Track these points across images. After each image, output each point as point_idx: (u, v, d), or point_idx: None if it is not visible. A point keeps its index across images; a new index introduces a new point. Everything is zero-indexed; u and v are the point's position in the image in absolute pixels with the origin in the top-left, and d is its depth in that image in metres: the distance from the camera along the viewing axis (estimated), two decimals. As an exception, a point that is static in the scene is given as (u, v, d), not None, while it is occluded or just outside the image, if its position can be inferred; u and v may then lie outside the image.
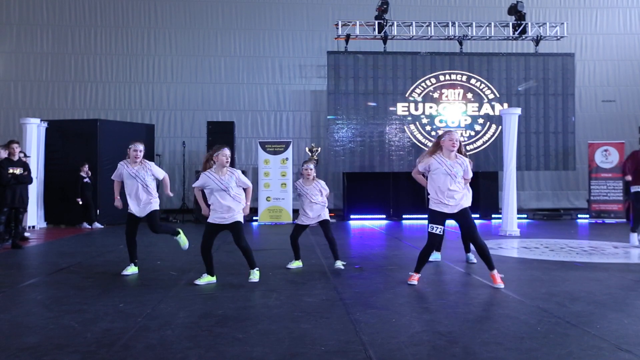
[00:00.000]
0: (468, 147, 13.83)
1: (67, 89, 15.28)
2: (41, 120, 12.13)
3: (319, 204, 6.09)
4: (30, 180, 8.41)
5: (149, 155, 13.66)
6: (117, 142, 12.76)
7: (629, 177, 8.35)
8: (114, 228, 11.57)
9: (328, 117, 13.64)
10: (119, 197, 6.02)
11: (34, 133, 11.66)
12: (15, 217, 8.21)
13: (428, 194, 5.20)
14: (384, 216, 14.27)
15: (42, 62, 15.27)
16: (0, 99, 15.13)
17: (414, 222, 13.34)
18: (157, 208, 5.99)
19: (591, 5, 16.37)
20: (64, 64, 15.30)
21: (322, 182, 6.16)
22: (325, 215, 6.16)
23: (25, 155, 9.58)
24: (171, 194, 6.19)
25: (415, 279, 5.15)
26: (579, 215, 14.44)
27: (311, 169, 6.13)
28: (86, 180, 11.74)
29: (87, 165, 11.81)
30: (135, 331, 3.59)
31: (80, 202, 11.57)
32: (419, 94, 13.89)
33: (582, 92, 15.82)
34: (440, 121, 13.86)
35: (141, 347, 3.25)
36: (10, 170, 8.01)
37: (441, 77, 13.96)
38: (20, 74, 15.20)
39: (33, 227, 11.30)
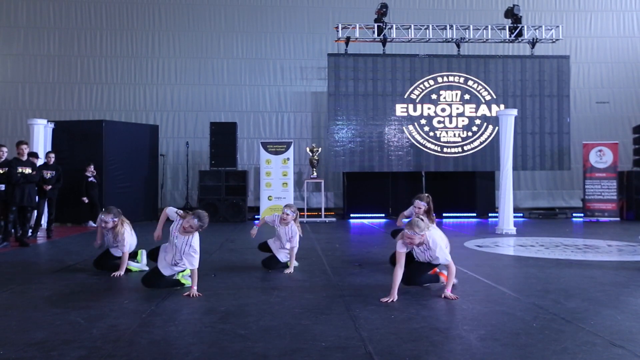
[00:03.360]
0: (465, 148, 14.13)
1: (73, 91, 15.46)
2: (48, 121, 12.26)
3: (285, 249, 6.03)
4: (37, 179, 8.65)
5: (153, 155, 13.96)
6: (122, 142, 13.02)
7: None
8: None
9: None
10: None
11: (41, 134, 11.78)
12: (23, 216, 8.38)
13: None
14: (383, 215, 14.53)
15: (49, 64, 15.45)
16: (8, 101, 15.31)
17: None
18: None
19: (586, 9, 16.52)
20: (70, 66, 15.49)
21: (295, 228, 5.92)
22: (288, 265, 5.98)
23: (37, 156, 9.81)
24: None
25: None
26: (574, 214, 14.67)
27: (287, 214, 5.90)
28: (91, 179, 11.92)
29: (92, 165, 11.97)
30: (140, 327, 3.64)
31: (86, 201, 11.79)
32: (418, 96, 14.16)
33: (577, 93, 16.00)
34: (439, 122, 14.14)
35: (145, 343, 3.29)
36: (20, 170, 8.13)
37: (439, 79, 14.21)
38: (27, 75, 15.37)
39: (40, 225, 11.50)
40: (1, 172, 8.05)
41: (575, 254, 7.27)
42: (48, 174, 9.51)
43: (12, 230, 8.32)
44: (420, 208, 5.94)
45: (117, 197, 12.66)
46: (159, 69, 15.69)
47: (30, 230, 9.26)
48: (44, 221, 10.15)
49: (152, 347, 3.23)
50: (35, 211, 9.37)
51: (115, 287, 5.08)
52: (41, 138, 11.80)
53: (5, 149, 8.23)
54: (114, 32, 15.67)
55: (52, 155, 10.03)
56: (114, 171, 12.74)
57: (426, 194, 6.05)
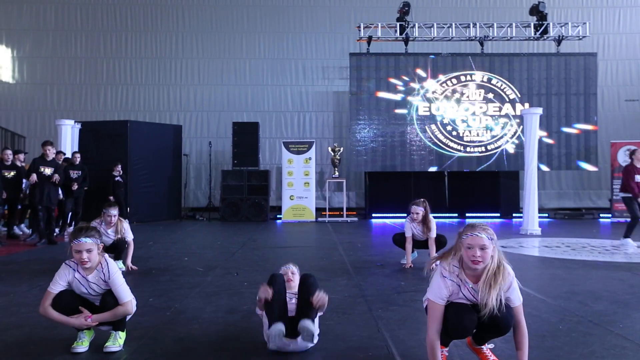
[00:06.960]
0: (489, 147, 13.94)
1: (99, 92, 15.76)
2: (75, 122, 12.47)
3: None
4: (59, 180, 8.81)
5: (177, 155, 14.12)
6: (146, 142, 13.21)
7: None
8: (143, 225, 11.99)
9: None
10: None
11: (68, 134, 11.99)
12: (48, 215, 8.58)
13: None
14: (405, 215, 14.41)
15: (76, 66, 15.75)
16: (37, 101, 15.66)
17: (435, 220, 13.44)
18: None
19: (614, 5, 16.14)
20: (96, 67, 15.78)
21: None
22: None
23: (63, 154, 10.03)
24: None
25: None
26: (601, 215, 14.38)
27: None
28: (117, 179, 12.10)
29: (119, 165, 12.15)
30: (164, 325, 3.70)
31: (112, 200, 11.95)
32: (440, 94, 14.04)
33: (605, 91, 15.65)
34: (462, 121, 13.99)
35: (169, 340, 3.35)
36: (41, 169, 8.32)
37: (462, 78, 14.08)
38: (55, 77, 15.70)
39: (67, 223, 11.73)
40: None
41: (602, 256, 7.11)
42: (74, 174, 9.71)
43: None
44: (418, 213, 5.90)
45: (141, 197, 12.87)
46: (183, 69, 15.87)
47: (57, 229, 9.47)
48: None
49: (176, 344, 3.28)
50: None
51: (139, 285, 5.14)
52: (68, 138, 12.03)
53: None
54: (138, 34, 15.91)
55: (78, 155, 10.25)
56: (138, 171, 12.92)
57: (422, 199, 5.98)
